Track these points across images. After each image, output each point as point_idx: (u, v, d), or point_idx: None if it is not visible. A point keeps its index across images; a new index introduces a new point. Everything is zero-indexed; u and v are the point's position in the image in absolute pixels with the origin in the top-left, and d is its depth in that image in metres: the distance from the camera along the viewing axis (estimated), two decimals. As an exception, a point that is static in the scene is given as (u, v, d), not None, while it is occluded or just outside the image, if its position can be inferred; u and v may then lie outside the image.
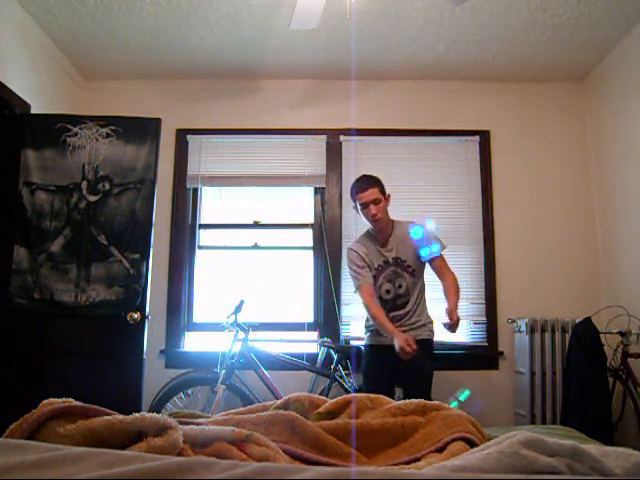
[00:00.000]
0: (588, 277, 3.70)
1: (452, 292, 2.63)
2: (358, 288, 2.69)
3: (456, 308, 2.57)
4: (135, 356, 2.85)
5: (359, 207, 2.70)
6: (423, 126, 3.86)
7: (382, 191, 2.71)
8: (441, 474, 0.84)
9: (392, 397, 2.43)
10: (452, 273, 2.72)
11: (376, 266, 2.72)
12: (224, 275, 3.83)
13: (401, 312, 2.70)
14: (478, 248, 3.75)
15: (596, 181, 3.78)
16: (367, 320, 2.80)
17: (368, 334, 2.79)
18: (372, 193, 2.64)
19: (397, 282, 2.71)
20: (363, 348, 2.86)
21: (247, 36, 3.34)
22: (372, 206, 2.64)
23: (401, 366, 2.53)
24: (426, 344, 2.64)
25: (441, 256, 2.74)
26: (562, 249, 3.73)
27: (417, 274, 2.74)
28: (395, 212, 3.73)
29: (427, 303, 2.81)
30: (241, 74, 3.84)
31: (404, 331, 2.60)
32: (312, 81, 3.93)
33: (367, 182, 2.70)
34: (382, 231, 2.74)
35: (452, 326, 2.53)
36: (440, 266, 2.73)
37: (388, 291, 2.71)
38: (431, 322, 2.76)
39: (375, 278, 2.71)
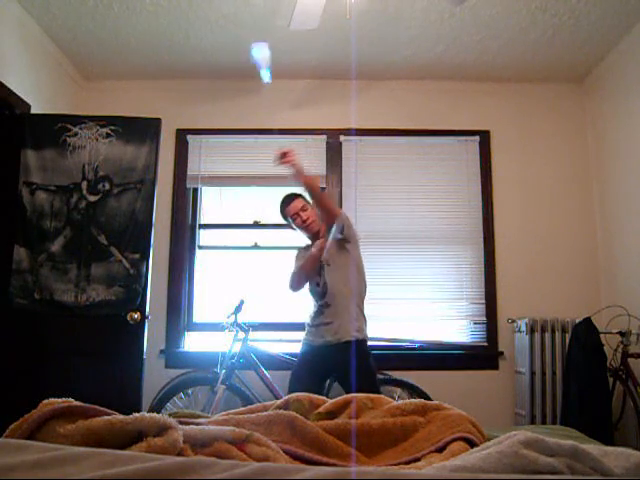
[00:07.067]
0: (588, 277, 3.69)
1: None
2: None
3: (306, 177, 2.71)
4: (135, 356, 2.85)
5: (291, 221, 2.87)
6: (423, 126, 3.86)
7: (307, 201, 2.87)
8: (441, 474, 0.84)
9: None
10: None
11: None
12: (224, 275, 3.83)
13: (321, 302, 2.75)
14: (478, 248, 3.75)
15: (596, 181, 3.78)
16: (308, 317, 2.85)
17: (306, 330, 2.84)
18: (297, 203, 2.84)
19: (321, 273, 2.79)
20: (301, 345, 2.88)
21: (247, 36, 3.34)
22: (301, 213, 2.81)
23: (333, 367, 2.72)
24: (352, 345, 2.65)
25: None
26: (562, 249, 3.72)
27: (332, 263, 2.75)
28: (395, 212, 3.77)
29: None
30: (241, 74, 3.83)
31: (325, 330, 2.70)
32: (312, 81, 3.93)
33: (290, 196, 2.91)
34: (317, 235, 2.85)
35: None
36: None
37: (318, 284, 2.79)
38: (358, 322, 2.73)
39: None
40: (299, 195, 2.88)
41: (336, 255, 2.75)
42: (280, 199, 2.94)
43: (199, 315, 3.77)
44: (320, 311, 2.76)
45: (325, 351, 2.70)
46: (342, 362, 2.62)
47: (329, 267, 2.76)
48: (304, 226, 2.83)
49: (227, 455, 0.97)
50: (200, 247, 3.84)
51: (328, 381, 2.98)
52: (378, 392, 2.54)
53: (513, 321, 3.57)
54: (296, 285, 2.85)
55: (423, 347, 3.59)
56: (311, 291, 2.84)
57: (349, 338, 2.67)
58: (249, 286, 3.70)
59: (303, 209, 2.82)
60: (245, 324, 3.23)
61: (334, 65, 3.70)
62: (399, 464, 1.15)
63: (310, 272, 2.79)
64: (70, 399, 1.04)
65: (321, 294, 2.76)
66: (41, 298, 2.85)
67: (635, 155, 3.27)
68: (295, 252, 3.01)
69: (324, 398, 1.45)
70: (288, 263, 3.02)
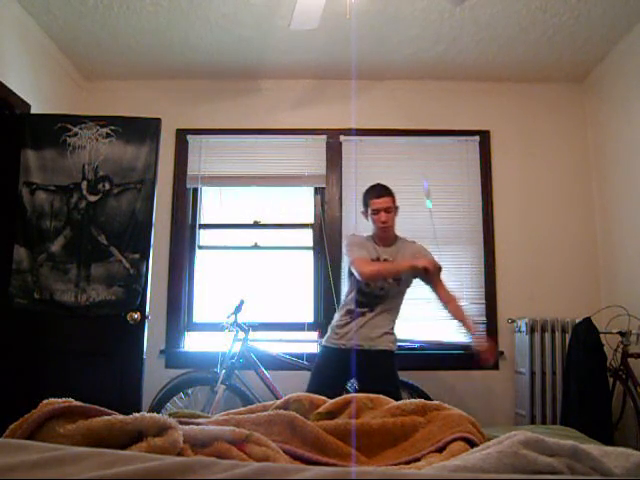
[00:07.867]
0: (588, 277, 3.69)
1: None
2: (352, 261, 2.66)
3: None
4: (135, 356, 2.85)
5: (370, 212, 2.73)
6: (423, 126, 3.86)
7: (394, 202, 2.76)
8: (441, 474, 0.84)
9: None
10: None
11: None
12: (224, 275, 3.83)
13: (368, 307, 2.68)
14: (478, 248, 3.75)
15: (596, 181, 3.78)
16: (337, 317, 2.78)
17: (330, 334, 2.76)
18: (386, 201, 2.70)
19: (380, 282, 2.68)
20: (320, 347, 2.82)
21: (247, 36, 3.34)
22: (383, 213, 2.68)
23: (357, 373, 2.61)
24: (384, 355, 2.64)
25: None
26: (562, 249, 3.72)
27: (402, 284, 2.72)
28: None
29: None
30: (241, 74, 3.83)
31: (360, 333, 2.63)
32: (312, 81, 3.93)
33: (383, 190, 2.75)
34: (386, 239, 2.76)
35: (484, 352, 2.70)
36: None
37: (368, 285, 2.68)
38: (394, 335, 2.72)
39: None
40: (390, 193, 2.74)
41: (410, 275, 2.70)
42: (371, 185, 2.80)
43: (199, 315, 3.77)
44: (360, 313, 2.67)
45: (354, 355, 2.60)
46: (370, 369, 2.56)
47: (396, 283, 2.69)
48: (381, 226, 2.70)
49: (227, 455, 0.97)
50: (200, 247, 3.84)
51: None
52: None
53: (513, 321, 3.57)
54: (374, 279, 2.66)
55: (423, 347, 3.59)
56: (360, 289, 2.70)
57: (384, 347, 2.64)
58: (249, 286, 3.70)
59: (388, 210, 2.69)
60: (245, 324, 3.23)
61: (334, 65, 3.70)
62: (399, 464, 1.15)
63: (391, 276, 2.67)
64: (70, 399, 1.04)
65: (376, 297, 2.68)
66: (41, 298, 2.85)
67: (635, 155, 3.27)
68: (354, 236, 2.87)
69: (324, 398, 1.45)
70: (288, 263, 3.00)
